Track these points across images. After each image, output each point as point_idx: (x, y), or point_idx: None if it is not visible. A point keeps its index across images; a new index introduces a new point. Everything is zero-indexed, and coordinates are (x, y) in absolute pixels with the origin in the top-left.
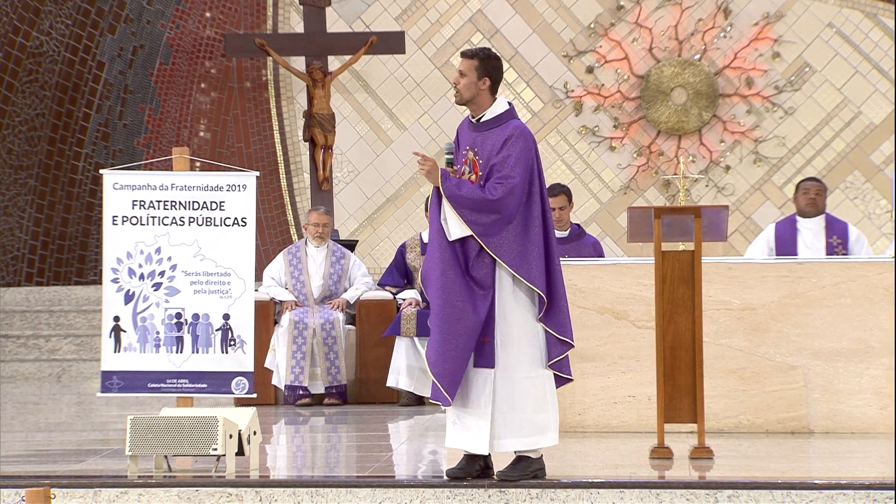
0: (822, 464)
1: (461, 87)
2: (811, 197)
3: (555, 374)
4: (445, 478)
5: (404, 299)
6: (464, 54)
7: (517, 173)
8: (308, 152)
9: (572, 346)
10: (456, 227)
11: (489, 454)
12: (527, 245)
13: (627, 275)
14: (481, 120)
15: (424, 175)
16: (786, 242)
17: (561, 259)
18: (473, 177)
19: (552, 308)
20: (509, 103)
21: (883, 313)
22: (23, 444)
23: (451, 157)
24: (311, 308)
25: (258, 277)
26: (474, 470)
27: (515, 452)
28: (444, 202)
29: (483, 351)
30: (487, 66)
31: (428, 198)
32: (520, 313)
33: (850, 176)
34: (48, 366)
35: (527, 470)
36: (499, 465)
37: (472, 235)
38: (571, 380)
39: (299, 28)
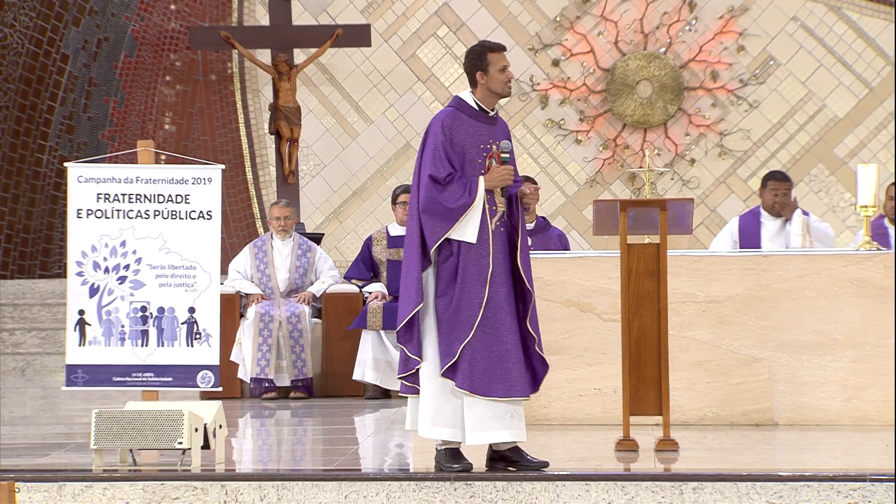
0: (787, 456)
1: None
2: (779, 199)
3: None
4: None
5: (370, 293)
6: (504, 49)
7: None
8: (274, 145)
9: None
10: None
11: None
12: None
13: (593, 268)
14: (494, 113)
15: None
16: (749, 236)
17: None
18: None
19: None
20: None
21: (847, 306)
22: None
23: (508, 155)
24: (278, 301)
25: (224, 271)
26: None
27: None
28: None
29: None
30: None
31: (399, 189)
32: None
33: (814, 169)
34: (12, 359)
35: None
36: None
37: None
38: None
39: (265, 21)
